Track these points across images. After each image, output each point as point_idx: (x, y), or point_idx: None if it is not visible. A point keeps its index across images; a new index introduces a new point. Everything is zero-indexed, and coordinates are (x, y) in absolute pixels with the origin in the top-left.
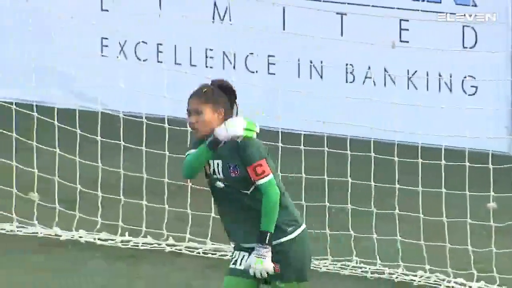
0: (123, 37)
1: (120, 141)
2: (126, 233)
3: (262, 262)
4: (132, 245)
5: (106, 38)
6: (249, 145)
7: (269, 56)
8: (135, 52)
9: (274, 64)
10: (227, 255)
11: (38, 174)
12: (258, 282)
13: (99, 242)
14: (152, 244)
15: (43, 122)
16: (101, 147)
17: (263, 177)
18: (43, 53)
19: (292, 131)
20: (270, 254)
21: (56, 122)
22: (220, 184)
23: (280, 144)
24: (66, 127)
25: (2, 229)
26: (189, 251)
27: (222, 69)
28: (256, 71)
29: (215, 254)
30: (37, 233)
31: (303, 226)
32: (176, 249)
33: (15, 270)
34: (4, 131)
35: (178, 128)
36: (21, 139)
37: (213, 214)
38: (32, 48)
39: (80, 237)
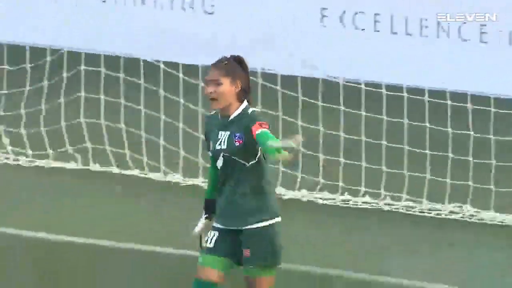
0: (341, 8)
1: (340, 105)
2: (346, 193)
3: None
4: (352, 204)
5: (326, 8)
6: (256, 114)
7: (481, 25)
8: (353, 22)
9: (486, 33)
10: (442, 213)
11: None
12: (231, 261)
13: (320, 201)
14: (370, 203)
15: (266, 88)
16: (322, 111)
17: (262, 128)
18: (264, 21)
19: (505, 96)
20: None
21: (279, 88)
22: (220, 160)
23: (492, 109)
24: (289, 92)
25: None
26: (406, 210)
27: (437, 38)
28: (469, 40)
29: (430, 213)
30: None
31: (280, 218)
32: (393, 208)
33: None
34: None
35: (394, 93)
36: None
37: (428, 176)
38: (255, 17)
39: (303, 196)
